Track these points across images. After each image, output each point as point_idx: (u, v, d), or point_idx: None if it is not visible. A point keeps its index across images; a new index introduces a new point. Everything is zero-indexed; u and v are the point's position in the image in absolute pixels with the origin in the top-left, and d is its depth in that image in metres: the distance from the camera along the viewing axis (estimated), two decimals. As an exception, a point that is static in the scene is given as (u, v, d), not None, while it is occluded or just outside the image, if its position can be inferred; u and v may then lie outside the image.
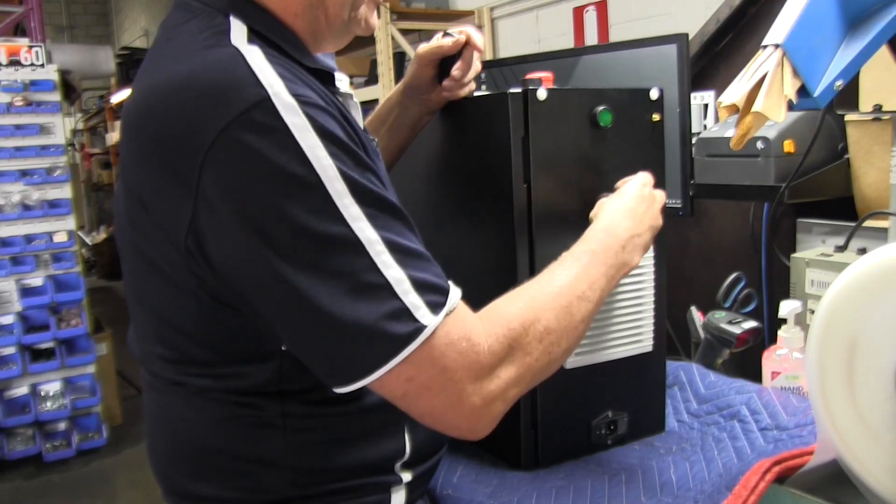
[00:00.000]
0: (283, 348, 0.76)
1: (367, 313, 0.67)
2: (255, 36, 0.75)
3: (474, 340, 0.71)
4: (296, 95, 0.68)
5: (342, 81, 0.88)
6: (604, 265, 0.83)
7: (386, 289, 0.68)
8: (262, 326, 0.74)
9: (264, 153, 0.66)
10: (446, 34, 1.04)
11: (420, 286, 0.69)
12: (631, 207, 0.90)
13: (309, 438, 0.80)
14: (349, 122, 0.74)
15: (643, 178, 0.94)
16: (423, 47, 1.05)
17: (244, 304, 0.73)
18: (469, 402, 0.71)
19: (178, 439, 0.84)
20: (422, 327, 0.68)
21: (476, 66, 1.05)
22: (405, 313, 0.68)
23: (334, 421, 0.81)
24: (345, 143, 0.69)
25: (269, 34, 0.77)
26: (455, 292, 0.72)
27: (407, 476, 0.86)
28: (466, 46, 1.03)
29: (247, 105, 0.67)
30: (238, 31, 0.75)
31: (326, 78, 0.81)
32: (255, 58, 0.70)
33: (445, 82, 1.05)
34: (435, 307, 0.69)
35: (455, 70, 1.03)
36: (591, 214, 0.92)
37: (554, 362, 0.78)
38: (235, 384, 0.78)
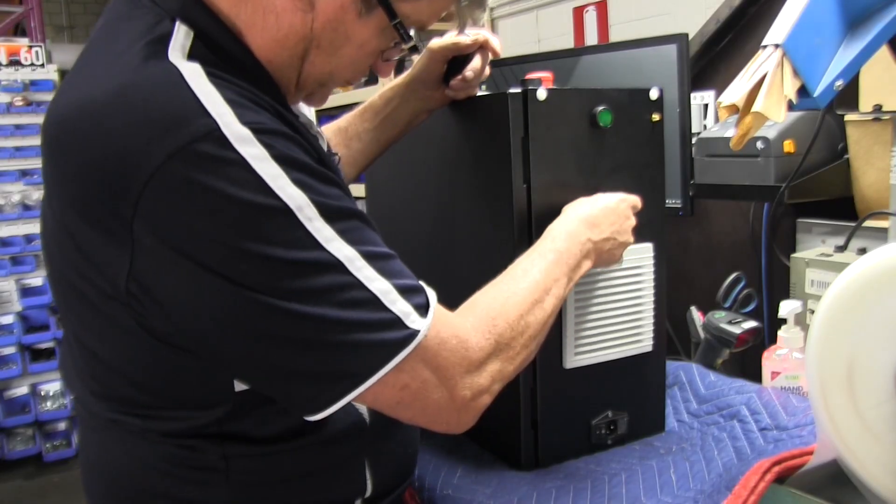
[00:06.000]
0: (236, 391, 0.71)
1: (358, 327, 0.64)
2: (201, 46, 0.66)
3: (462, 336, 0.71)
4: (248, 123, 0.61)
5: (307, 110, 0.84)
6: (566, 265, 0.84)
7: (373, 303, 0.65)
8: (221, 367, 0.69)
9: (219, 189, 0.59)
10: (461, 33, 1.00)
11: (405, 292, 0.67)
12: (593, 214, 0.88)
13: (256, 479, 0.75)
14: (307, 139, 0.68)
15: (624, 195, 0.92)
16: (438, 42, 1.02)
17: (203, 345, 0.67)
18: (460, 396, 0.71)
19: (114, 481, 0.78)
20: (415, 332, 0.67)
21: (486, 70, 1.03)
22: (397, 322, 0.66)
23: (284, 459, 0.75)
24: (308, 165, 0.65)
25: (218, 46, 0.68)
26: (431, 291, 0.71)
27: None
28: (482, 49, 1.01)
29: (190, 137, 0.59)
30: (180, 41, 0.66)
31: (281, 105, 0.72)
32: (197, 79, 0.62)
33: (454, 82, 1.02)
34: (422, 310, 0.68)
35: (468, 71, 1.00)
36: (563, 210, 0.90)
37: (530, 356, 0.79)
38: (174, 426, 0.72)
